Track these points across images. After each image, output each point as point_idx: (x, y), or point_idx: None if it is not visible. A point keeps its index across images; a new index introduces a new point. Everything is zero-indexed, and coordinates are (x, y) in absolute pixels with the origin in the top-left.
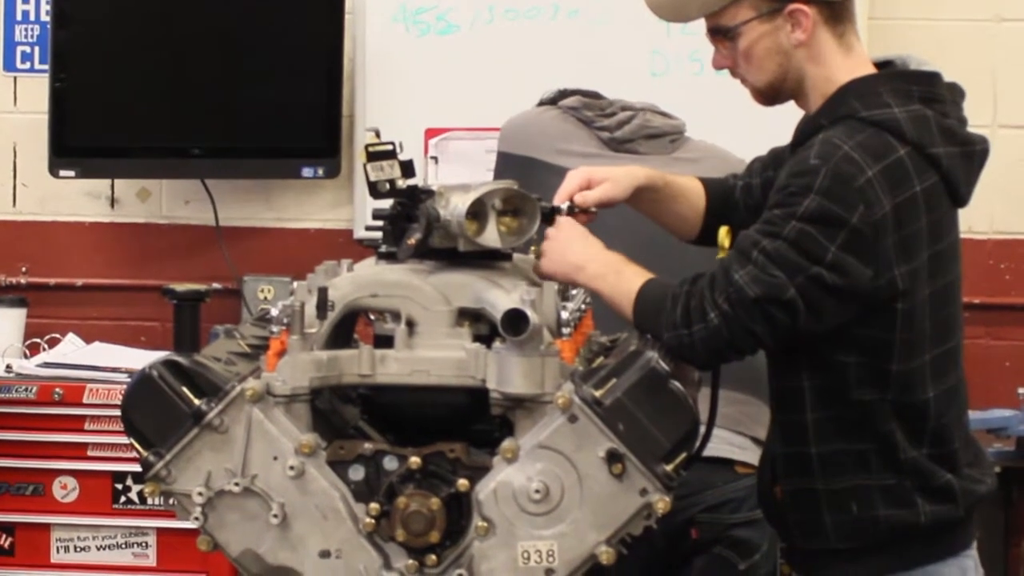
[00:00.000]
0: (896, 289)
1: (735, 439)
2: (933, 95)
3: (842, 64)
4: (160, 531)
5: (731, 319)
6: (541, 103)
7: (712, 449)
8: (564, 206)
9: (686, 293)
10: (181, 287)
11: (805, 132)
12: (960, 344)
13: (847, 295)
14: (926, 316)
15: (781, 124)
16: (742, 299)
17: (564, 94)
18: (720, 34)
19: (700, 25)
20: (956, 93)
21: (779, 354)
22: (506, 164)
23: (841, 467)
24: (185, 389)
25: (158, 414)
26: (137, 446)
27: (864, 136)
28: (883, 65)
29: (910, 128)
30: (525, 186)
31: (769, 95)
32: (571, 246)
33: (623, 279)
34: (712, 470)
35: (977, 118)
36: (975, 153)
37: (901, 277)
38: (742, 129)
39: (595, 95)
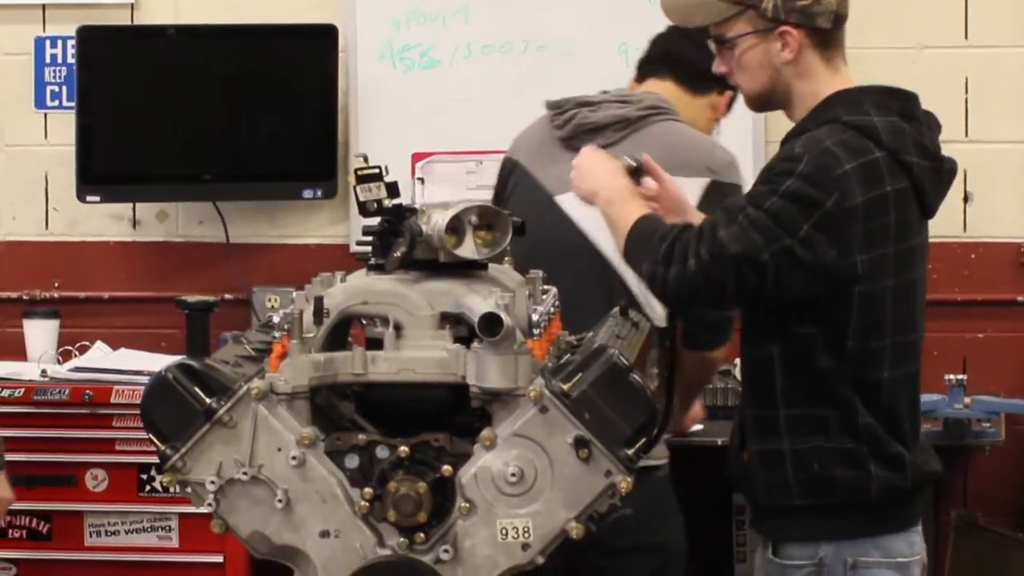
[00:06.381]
0: (855, 273)
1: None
2: (910, 112)
3: (828, 81)
4: (182, 516)
5: (708, 268)
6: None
7: None
8: (633, 162)
9: (673, 236)
10: (192, 298)
11: (792, 135)
12: (921, 339)
13: (812, 270)
14: (887, 304)
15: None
16: (722, 253)
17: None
18: (720, 42)
19: None
20: (932, 120)
21: (751, 327)
22: (501, 165)
23: (805, 429)
24: (197, 389)
25: (173, 412)
26: (155, 441)
27: (845, 136)
28: None
29: (887, 135)
30: (507, 186)
31: (758, 103)
32: (591, 173)
33: (626, 210)
34: None
35: None
36: (944, 170)
37: (861, 264)
38: None
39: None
